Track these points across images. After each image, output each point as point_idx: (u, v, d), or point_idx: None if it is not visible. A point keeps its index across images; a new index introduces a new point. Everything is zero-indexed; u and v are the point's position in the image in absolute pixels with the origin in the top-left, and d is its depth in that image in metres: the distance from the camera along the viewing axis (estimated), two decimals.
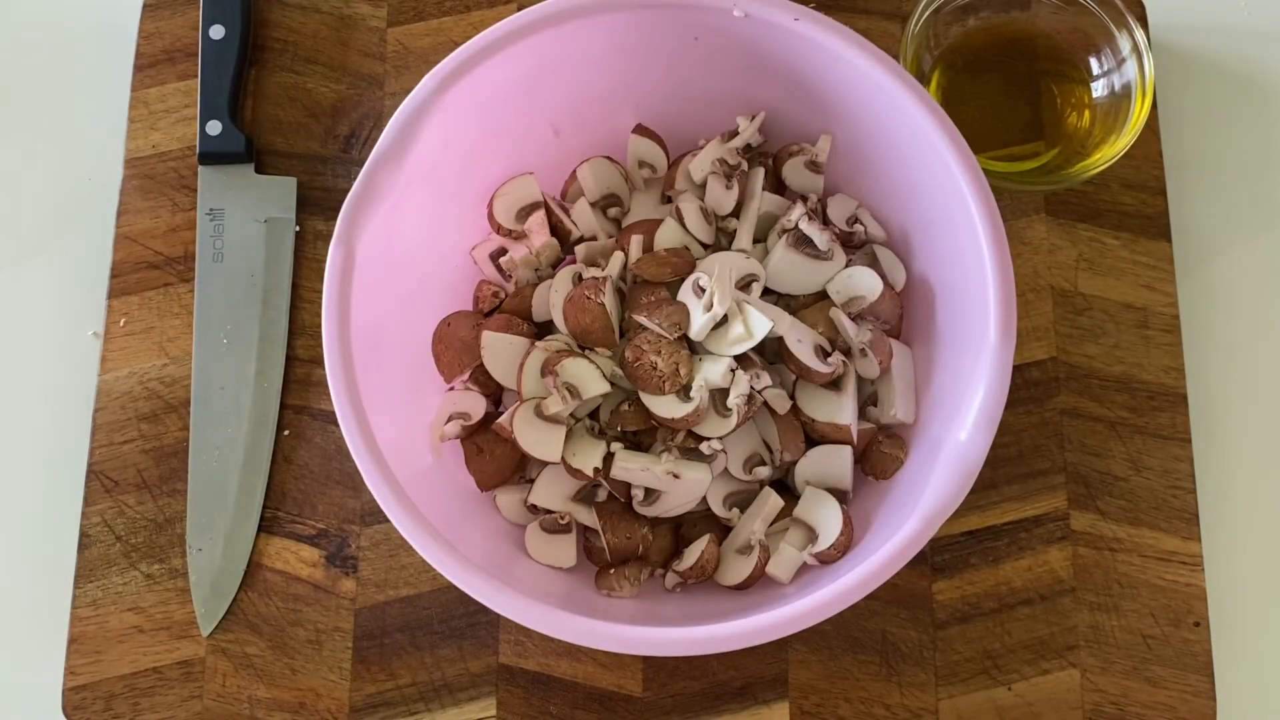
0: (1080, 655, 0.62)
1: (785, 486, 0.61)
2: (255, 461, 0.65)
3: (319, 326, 0.56)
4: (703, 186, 0.63)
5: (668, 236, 0.62)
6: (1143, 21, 0.71)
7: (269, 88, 0.71)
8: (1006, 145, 0.68)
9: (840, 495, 0.60)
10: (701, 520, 0.61)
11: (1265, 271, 0.69)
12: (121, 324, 0.67)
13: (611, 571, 0.59)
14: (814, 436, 0.61)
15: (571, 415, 0.59)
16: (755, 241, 0.63)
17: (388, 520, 0.54)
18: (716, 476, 0.60)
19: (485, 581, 0.53)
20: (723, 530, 0.61)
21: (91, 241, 0.70)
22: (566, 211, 0.64)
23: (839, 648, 0.62)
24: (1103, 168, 0.66)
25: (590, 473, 0.58)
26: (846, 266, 0.62)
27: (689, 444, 0.59)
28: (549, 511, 0.60)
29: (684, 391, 0.58)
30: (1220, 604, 0.64)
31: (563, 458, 0.59)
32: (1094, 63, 0.68)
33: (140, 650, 0.63)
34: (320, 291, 0.56)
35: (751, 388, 0.57)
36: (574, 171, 0.65)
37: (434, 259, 0.62)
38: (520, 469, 0.62)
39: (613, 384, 0.59)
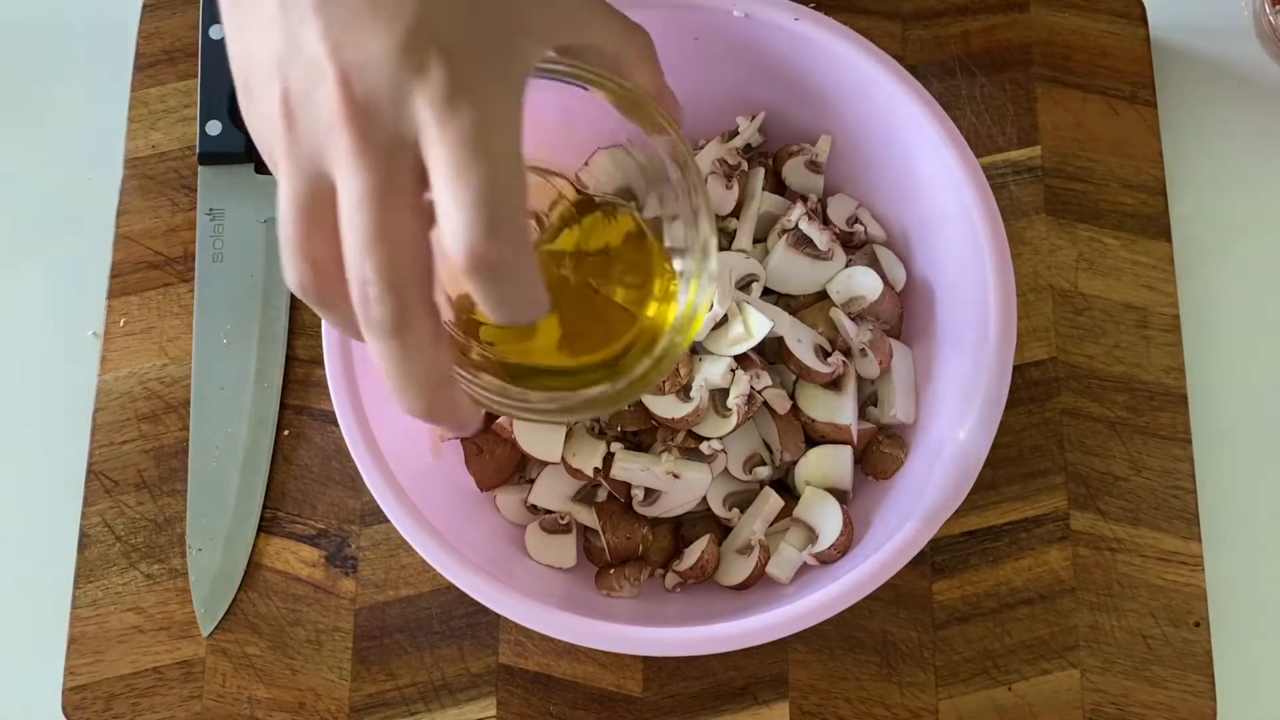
0: (1080, 655, 0.62)
1: (785, 486, 0.61)
2: (255, 461, 0.65)
3: (319, 326, 0.56)
4: None
5: None
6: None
7: None
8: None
9: (840, 495, 0.60)
10: (701, 520, 0.61)
11: (1265, 271, 0.69)
12: (121, 324, 0.67)
13: (611, 571, 0.59)
14: (814, 436, 0.60)
15: None
16: (755, 241, 0.63)
17: (388, 520, 0.54)
18: (716, 476, 0.60)
19: (485, 581, 0.53)
20: (723, 530, 0.61)
21: (91, 241, 0.69)
22: None
23: (839, 648, 0.62)
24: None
25: (590, 473, 0.58)
26: (846, 266, 0.62)
27: (689, 444, 0.59)
28: (549, 511, 0.60)
29: (684, 391, 0.58)
30: (1220, 604, 0.64)
31: (563, 458, 0.59)
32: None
33: (140, 650, 0.63)
34: None
35: (751, 388, 0.57)
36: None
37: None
38: (520, 469, 0.62)
39: None
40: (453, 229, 0.37)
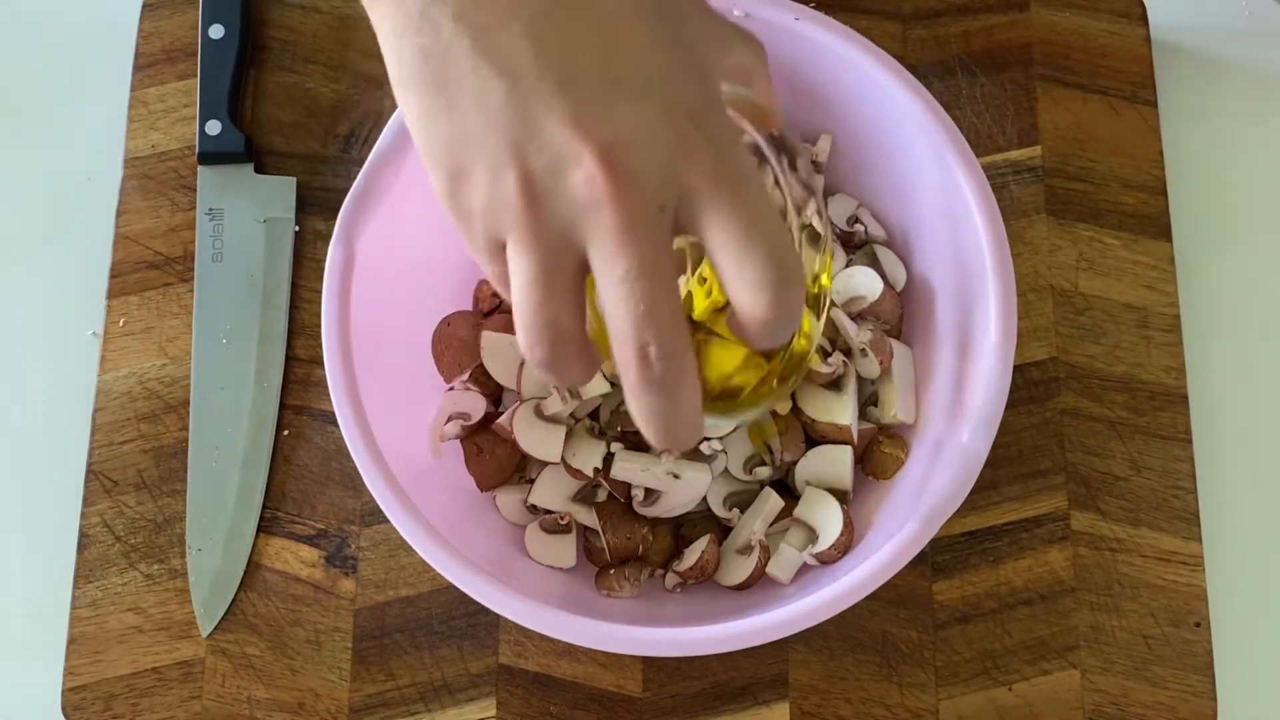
0: (1081, 655, 0.62)
1: (785, 486, 0.61)
2: (255, 461, 0.65)
3: (319, 326, 0.56)
4: None
5: None
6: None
7: (269, 88, 0.71)
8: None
9: (840, 495, 0.60)
10: (701, 520, 0.61)
11: (1265, 271, 0.69)
12: (121, 324, 0.67)
13: (611, 571, 0.59)
14: (814, 436, 0.60)
15: (571, 415, 0.59)
16: None
17: (388, 520, 0.54)
18: (716, 476, 0.60)
19: (485, 582, 0.53)
20: (723, 530, 0.61)
21: (91, 241, 0.69)
22: None
23: (839, 648, 0.62)
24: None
25: (590, 473, 0.58)
26: (846, 266, 0.62)
27: None
28: (549, 511, 0.60)
29: None
30: (1220, 604, 0.64)
31: (563, 458, 0.59)
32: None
33: (140, 650, 0.63)
34: (320, 291, 0.56)
35: None
36: None
37: (434, 259, 0.62)
38: (520, 469, 0.62)
39: (613, 384, 0.59)
40: (753, 289, 0.38)
